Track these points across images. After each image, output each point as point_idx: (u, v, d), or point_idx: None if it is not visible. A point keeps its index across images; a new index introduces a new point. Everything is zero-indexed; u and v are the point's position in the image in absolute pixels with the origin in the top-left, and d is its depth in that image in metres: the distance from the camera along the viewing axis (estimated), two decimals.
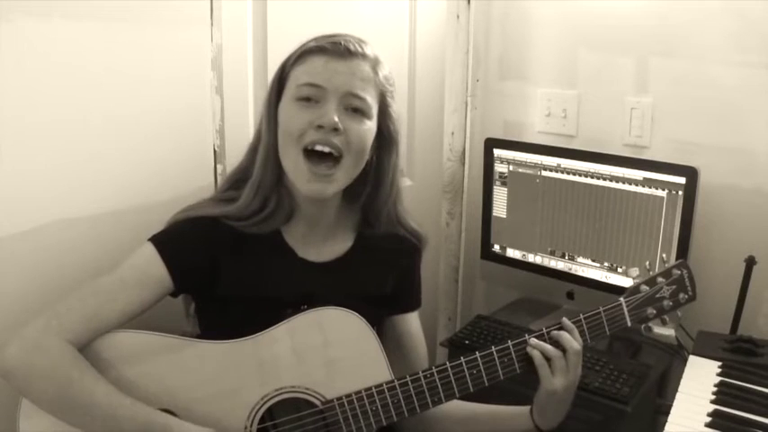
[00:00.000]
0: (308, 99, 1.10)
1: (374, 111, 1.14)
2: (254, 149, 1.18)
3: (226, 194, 1.18)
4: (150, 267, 1.09)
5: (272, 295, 1.15)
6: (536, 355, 1.12)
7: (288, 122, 1.11)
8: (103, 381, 1.02)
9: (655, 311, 1.20)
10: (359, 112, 1.12)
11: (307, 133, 1.09)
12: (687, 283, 1.22)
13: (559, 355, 1.12)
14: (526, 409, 1.20)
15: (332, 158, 1.11)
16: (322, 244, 1.21)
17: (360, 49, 1.13)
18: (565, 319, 1.15)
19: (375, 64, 1.15)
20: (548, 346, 1.12)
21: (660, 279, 1.21)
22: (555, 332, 1.14)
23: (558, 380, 1.12)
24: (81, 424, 1.02)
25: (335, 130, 1.09)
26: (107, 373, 1.04)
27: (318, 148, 1.09)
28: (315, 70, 1.10)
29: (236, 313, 1.13)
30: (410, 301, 1.32)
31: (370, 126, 1.14)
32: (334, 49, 1.11)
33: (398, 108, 1.21)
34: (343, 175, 1.13)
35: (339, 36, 1.14)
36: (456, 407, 1.23)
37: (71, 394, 1.00)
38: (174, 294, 1.13)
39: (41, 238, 1.18)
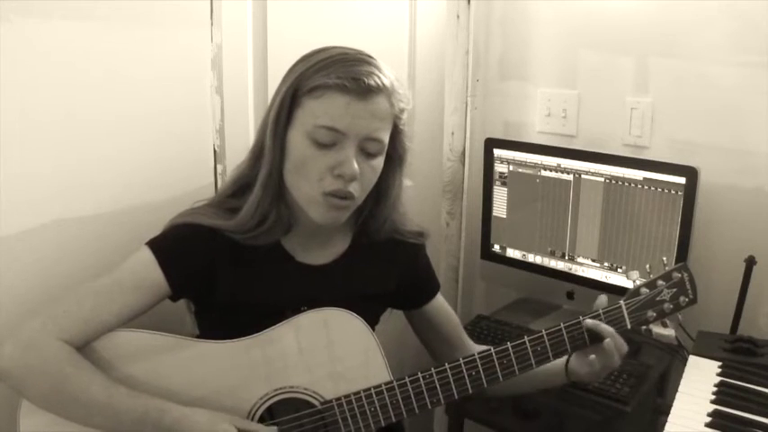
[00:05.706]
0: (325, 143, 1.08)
1: (386, 144, 1.13)
2: (255, 158, 1.15)
3: (227, 202, 1.16)
4: (147, 272, 1.09)
5: (271, 300, 1.15)
6: (605, 329, 1.16)
7: (303, 162, 1.09)
8: (99, 374, 1.02)
9: (655, 314, 1.19)
10: (373, 152, 1.11)
11: (326, 179, 1.08)
12: (688, 286, 1.22)
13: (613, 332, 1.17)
14: (561, 369, 1.23)
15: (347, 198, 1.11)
16: (320, 247, 1.20)
17: (379, 83, 1.08)
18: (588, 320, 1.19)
19: (391, 92, 1.11)
20: (606, 326, 1.17)
21: (660, 282, 1.21)
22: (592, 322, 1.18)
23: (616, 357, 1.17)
24: (79, 418, 1.02)
25: (354, 178, 1.09)
26: (107, 372, 1.04)
27: (338, 194, 1.10)
28: (335, 113, 1.06)
29: (235, 318, 1.13)
30: (427, 291, 1.34)
31: (381, 160, 1.14)
32: (355, 88, 1.06)
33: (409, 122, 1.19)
34: (356, 204, 1.14)
35: (355, 64, 1.08)
36: None
37: (67, 389, 1.01)
38: (172, 299, 1.13)
39: (41, 238, 1.18)
